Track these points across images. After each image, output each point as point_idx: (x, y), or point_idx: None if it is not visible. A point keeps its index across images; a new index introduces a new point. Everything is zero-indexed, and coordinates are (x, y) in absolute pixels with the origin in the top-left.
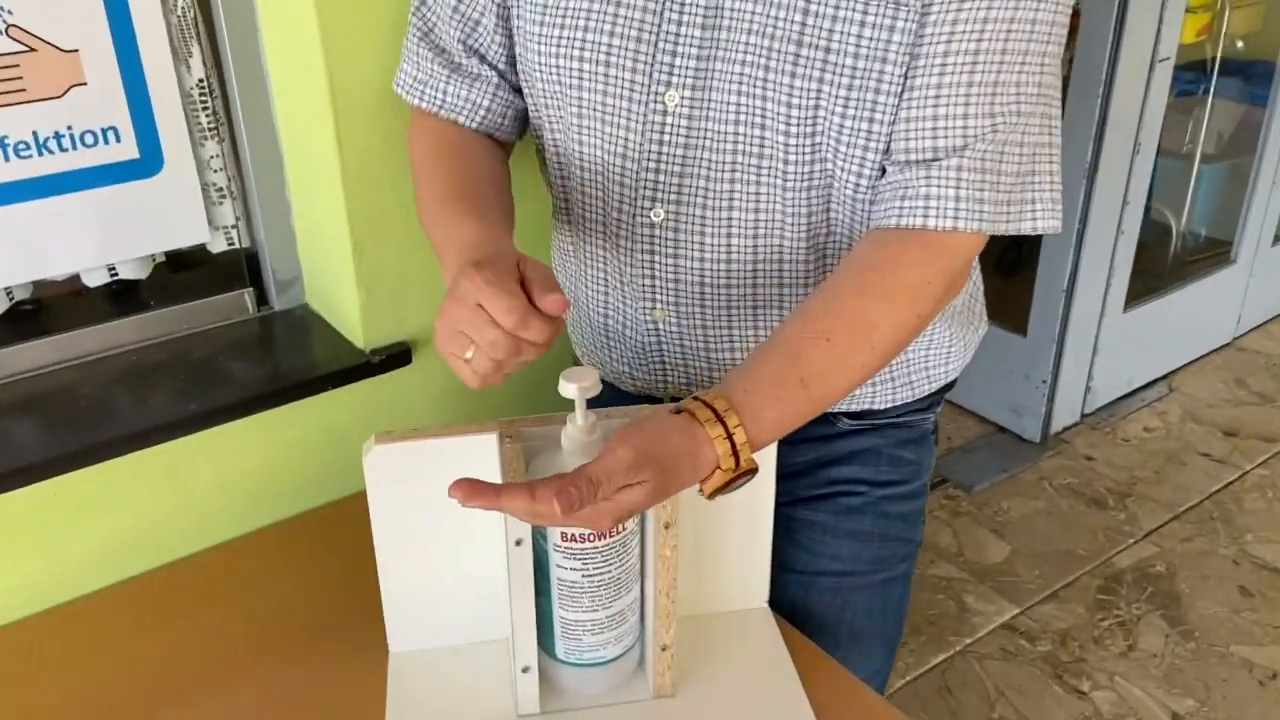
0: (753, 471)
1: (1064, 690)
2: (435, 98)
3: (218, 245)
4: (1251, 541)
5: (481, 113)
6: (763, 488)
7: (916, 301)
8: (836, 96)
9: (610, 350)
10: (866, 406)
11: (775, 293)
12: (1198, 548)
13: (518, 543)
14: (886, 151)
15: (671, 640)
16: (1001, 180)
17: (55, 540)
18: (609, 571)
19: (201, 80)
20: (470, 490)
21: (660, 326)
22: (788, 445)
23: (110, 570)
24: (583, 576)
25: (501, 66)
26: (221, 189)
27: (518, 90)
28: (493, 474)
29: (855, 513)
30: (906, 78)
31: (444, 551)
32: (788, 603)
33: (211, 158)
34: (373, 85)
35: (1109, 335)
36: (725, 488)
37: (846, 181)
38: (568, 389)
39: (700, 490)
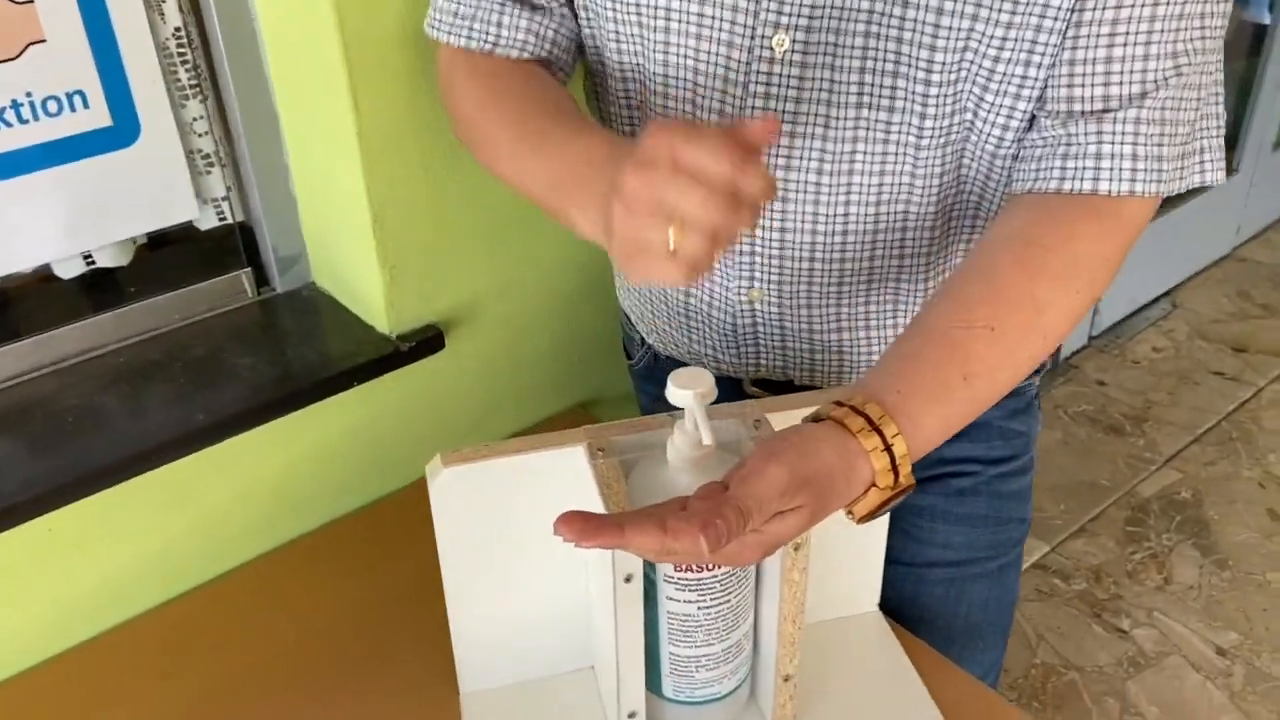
0: (910, 488)
1: (1104, 630)
2: (487, 34)
3: (207, 221)
4: (1275, 462)
5: (547, 46)
6: None
7: (1094, 282)
8: (991, 37)
9: (691, 331)
10: None
11: (894, 264)
12: (1221, 471)
13: (627, 579)
14: (1040, 100)
15: (795, 669)
16: (1179, 131)
17: (54, 582)
18: (728, 601)
19: (178, 29)
20: (584, 529)
21: (757, 307)
22: None
23: (120, 607)
24: (699, 609)
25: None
26: (208, 156)
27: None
28: (581, 494)
29: (968, 495)
30: (1074, 11)
31: (519, 580)
32: (895, 599)
33: (195, 120)
34: (391, 18)
35: None
36: (879, 509)
37: (989, 136)
38: (680, 395)
39: (849, 514)
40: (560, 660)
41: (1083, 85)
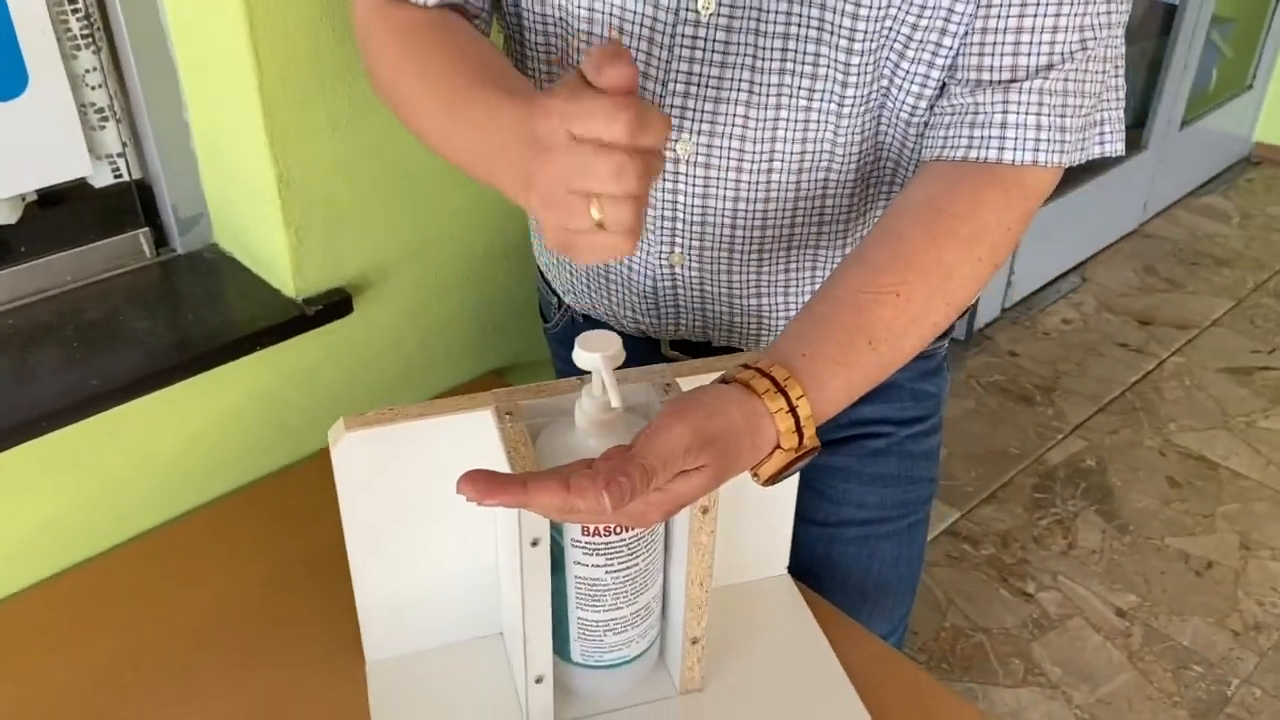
0: (814, 450)
1: (1010, 593)
2: None
3: (102, 178)
4: (1175, 431)
5: None
6: None
7: (995, 250)
8: (911, 3)
9: (610, 293)
10: None
11: (814, 230)
12: (1124, 440)
13: (534, 543)
14: (951, 68)
15: (703, 632)
16: (1084, 103)
17: None
18: (636, 565)
19: None
20: (487, 486)
21: (677, 271)
22: None
23: (10, 578)
24: (606, 573)
25: None
26: (102, 110)
27: None
28: (489, 459)
29: (880, 455)
30: None
31: (424, 546)
32: (809, 557)
33: (87, 71)
34: None
35: (1029, 229)
36: (784, 471)
37: (903, 103)
38: (587, 359)
39: (754, 475)
40: (468, 627)
41: (992, 54)
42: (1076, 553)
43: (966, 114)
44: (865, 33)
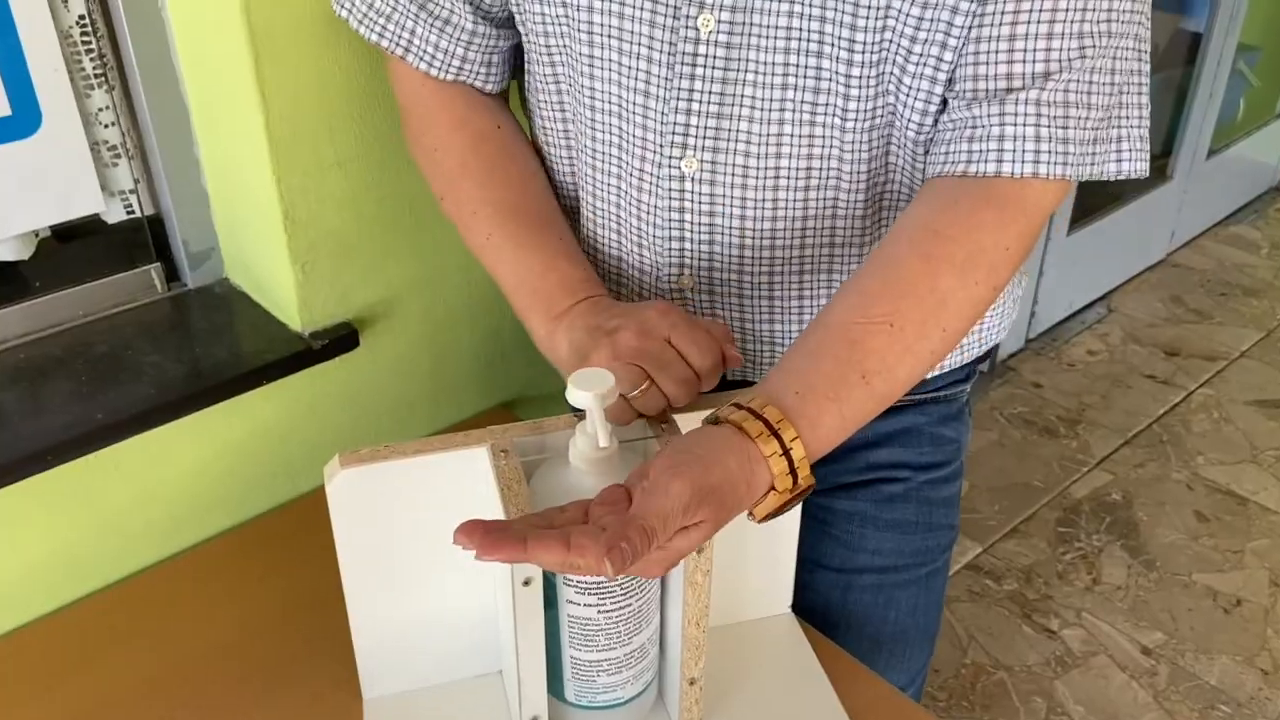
0: (810, 489)
1: (1033, 630)
2: (399, 39)
3: (114, 214)
4: (1203, 464)
5: (456, 64)
6: None
7: (994, 272)
8: (908, 16)
9: None
10: None
11: (825, 253)
12: (1151, 473)
13: (526, 583)
14: (949, 82)
15: (700, 673)
16: (1090, 115)
17: None
18: (630, 605)
19: (82, 17)
20: (486, 540)
21: (688, 295)
22: None
23: (13, 613)
24: (599, 613)
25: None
26: (115, 147)
27: (503, 25)
28: (484, 495)
29: (897, 501)
30: None
31: (421, 584)
32: (823, 604)
33: (100, 110)
34: (303, 8)
35: (1054, 259)
36: (779, 510)
37: (909, 120)
38: (580, 397)
39: (750, 515)
40: (466, 665)
41: (987, 62)
42: (1101, 589)
43: (965, 128)
44: (864, 44)
